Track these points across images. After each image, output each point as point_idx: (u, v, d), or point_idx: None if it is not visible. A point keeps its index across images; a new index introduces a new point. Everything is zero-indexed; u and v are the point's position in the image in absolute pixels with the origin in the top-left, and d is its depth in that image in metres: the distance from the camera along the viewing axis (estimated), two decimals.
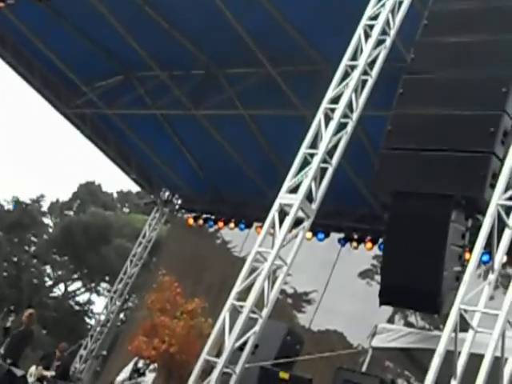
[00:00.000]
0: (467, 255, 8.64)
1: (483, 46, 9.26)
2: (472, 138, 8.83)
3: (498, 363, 7.39)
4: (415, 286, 8.78)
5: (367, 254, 18.95)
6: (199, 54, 17.76)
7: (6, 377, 12.43)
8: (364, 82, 10.34)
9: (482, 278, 8.58)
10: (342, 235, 19.06)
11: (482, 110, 8.88)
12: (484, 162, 8.53)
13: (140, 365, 15.36)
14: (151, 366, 15.05)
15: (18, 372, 12.89)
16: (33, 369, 15.13)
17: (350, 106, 10.19)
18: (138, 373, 15.27)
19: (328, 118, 10.12)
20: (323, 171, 9.95)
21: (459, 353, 7.52)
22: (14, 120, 60.07)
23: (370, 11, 10.65)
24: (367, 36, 10.48)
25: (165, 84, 19.06)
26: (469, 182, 8.62)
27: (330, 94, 10.29)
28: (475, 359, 7.40)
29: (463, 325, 7.67)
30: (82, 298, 40.16)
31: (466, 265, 7.95)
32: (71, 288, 40.15)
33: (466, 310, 7.60)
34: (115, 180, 58.67)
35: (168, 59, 18.40)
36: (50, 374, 15.16)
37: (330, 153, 10.02)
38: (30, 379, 14.48)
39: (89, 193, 42.22)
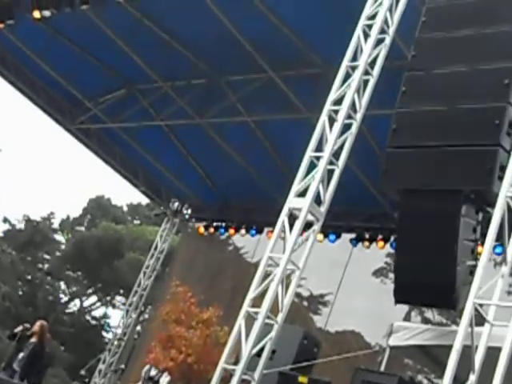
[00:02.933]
0: (480, 249, 8.62)
1: (483, 39, 9.24)
2: (477, 131, 8.81)
3: None
4: (429, 282, 8.77)
5: (380, 253, 18.94)
6: (200, 62, 17.78)
7: None
8: (366, 82, 10.36)
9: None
10: (353, 235, 19.06)
11: (486, 103, 8.85)
12: (491, 154, 8.50)
13: (153, 373, 15.34)
14: (165, 373, 15.01)
15: None
16: None
17: (353, 106, 10.20)
18: (152, 381, 15.25)
19: (332, 120, 10.13)
20: (330, 173, 9.96)
21: (476, 347, 7.51)
22: (20, 137, 60.20)
23: (367, 11, 10.66)
24: (366, 36, 10.50)
25: (168, 95, 19.11)
26: (477, 175, 8.60)
27: (333, 95, 10.31)
28: (493, 352, 7.39)
29: (479, 319, 7.66)
30: (98, 312, 40.22)
31: (479, 258, 7.95)
32: (86, 303, 40.20)
33: (480, 304, 7.59)
34: (125, 193, 58.78)
35: (169, 70, 18.45)
36: None
37: (336, 154, 10.04)
38: None
39: (99, 207, 42.27)
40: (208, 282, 21.22)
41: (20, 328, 13.76)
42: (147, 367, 16.01)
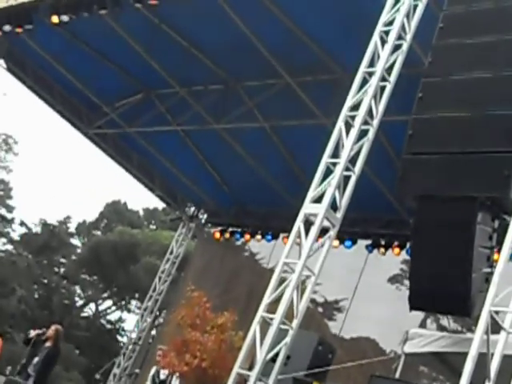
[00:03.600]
0: (496, 256, 8.59)
1: (500, 46, 9.22)
2: (494, 137, 8.78)
3: None
4: (444, 289, 8.74)
5: (395, 260, 18.88)
6: (217, 68, 17.82)
7: None
8: (383, 88, 10.35)
9: None
10: (369, 242, 19.03)
11: (503, 110, 8.83)
12: (507, 161, 8.47)
13: (162, 376, 15.33)
14: (175, 376, 14.98)
15: None
16: None
17: (369, 112, 10.19)
18: None
19: (349, 126, 10.12)
20: (346, 179, 9.96)
21: (492, 355, 7.48)
22: (37, 141, 60.57)
23: (384, 17, 10.66)
24: (383, 42, 10.49)
25: (184, 100, 19.15)
26: (493, 182, 8.57)
27: (350, 101, 10.30)
28: (509, 360, 7.36)
29: (495, 327, 7.63)
30: (113, 316, 40.39)
31: (495, 266, 7.92)
32: (102, 307, 40.37)
33: (496, 312, 7.56)
34: (141, 198, 58.89)
35: (186, 75, 18.50)
36: None
37: (353, 160, 10.03)
38: None
39: (115, 212, 42.44)
40: (223, 287, 21.21)
41: (34, 333, 13.79)
42: (154, 370, 16.04)
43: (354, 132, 10.04)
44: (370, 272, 18.91)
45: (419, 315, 17.77)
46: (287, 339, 9.30)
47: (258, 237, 21.02)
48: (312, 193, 9.89)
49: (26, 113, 59.04)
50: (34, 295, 37.98)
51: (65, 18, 15.85)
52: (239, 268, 22.20)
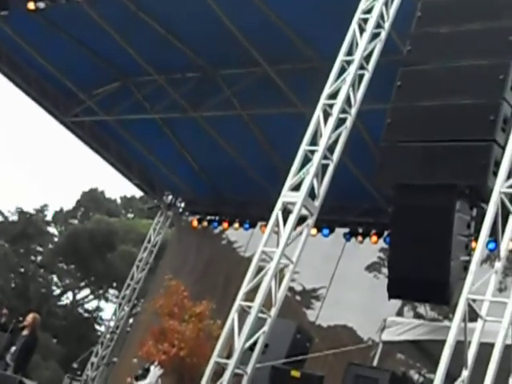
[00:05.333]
0: (474, 244, 8.63)
1: (479, 35, 9.22)
2: (472, 126, 8.81)
3: (508, 351, 7.38)
4: (423, 277, 8.76)
5: (373, 248, 18.95)
6: (195, 56, 17.75)
7: None
8: (361, 77, 10.36)
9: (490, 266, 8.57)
10: (346, 230, 19.09)
11: (481, 99, 8.85)
12: (486, 150, 8.49)
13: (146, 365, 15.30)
14: (154, 363, 14.90)
15: (31, 383, 12.83)
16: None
17: (348, 101, 10.20)
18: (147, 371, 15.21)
19: (327, 114, 10.13)
20: (324, 168, 9.96)
21: (469, 343, 7.52)
22: (13, 129, 60.09)
23: (363, 5, 10.65)
24: (362, 30, 10.49)
25: (162, 88, 19.07)
26: (471, 170, 8.59)
27: (328, 90, 10.30)
28: (485, 348, 7.40)
29: (472, 314, 7.67)
30: (91, 305, 40.22)
31: (473, 254, 7.96)
32: (79, 296, 40.19)
33: (474, 300, 7.60)
34: (118, 186, 58.70)
35: (164, 63, 18.41)
36: None
37: (331, 149, 10.04)
38: None
39: (92, 200, 42.22)
40: (201, 276, 21.20)
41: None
42: (135, 361, 15.97)
43: (332, 120, 10.04)
44: (347, 260, 18.98)
45: (396, 303, 17.86)
46: (265, 328, 9.30)
47: (236, 225, 21.02)
48: (290, 181, 9.88)
49: (1, 100, 58.53)
50: (11, 284, 37.72)
51: (41, 4, 15.77)
52: (217, 256, 22.19)
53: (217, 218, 21.72)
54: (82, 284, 39.79)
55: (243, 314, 9.27)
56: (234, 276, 17.04)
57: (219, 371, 9.22)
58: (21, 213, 39.88)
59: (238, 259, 21.13)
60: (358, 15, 10.59)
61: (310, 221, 9.87)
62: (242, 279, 9.57)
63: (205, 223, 21.94)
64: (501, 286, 10.08)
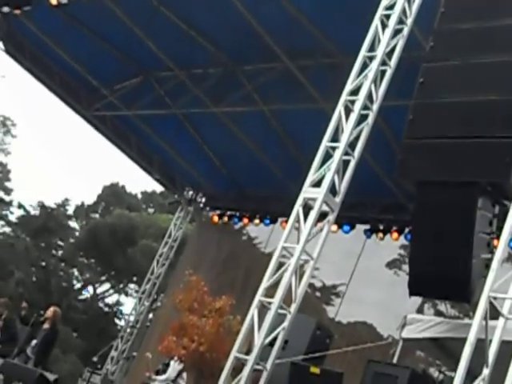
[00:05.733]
0: (496, 242, 8.56)
1: (503, 31, 9.15)
2: (495, 123, 8.74)
3: None
4: (444, 275, 8.72)
5: (393, 244, 18.89)
6: (216, 51, 17.74)
7: (39, 382, 12.43)
8: (383, 73, 10.32)
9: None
10: (367, 226, 19.02)
11: (505, 95, 8.78)
12: (508, 147, 8.43)
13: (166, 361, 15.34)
14: (174, 358, 14.93)
15: (51, 376, 12.90)
16: None
17: (369, 97, 10.16)
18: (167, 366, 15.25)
19: (348, 110, 10.09)
20: (346, 164, 9.93)
21: (490, 341, 7.47)
22: (35, 124, 60.45)
23: (385, 1, 10.60)
24: (384, 26, 10.44)
25: (184, 83, 19.08)
26: (494, 168, 8.54)
27: (350, 85, 10.26)
28: (507, 346, 7.35)
29: (494, 312, 7.62)
30: (111, 299, 40.37)
31: (495, 252, 7.90)
32: (100, 290, 40.35)
33: (495, 298, 7.54)
34: (139, 181, 58.88)
35: (185, 58, 18.41)
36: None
37: (352, 145, 10.01)
38: None
39: (113, 195, 42.33)
40: (221, 271, 21.23)
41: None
42: (149, 355, 15.97)
43: (353, 116, 10.01)
44: (367, 257, 18.92)
45: (417, 300, 17.80)
46: (285, 324, 9.30)
47: (257, 221, 20.99)
48: (311, 177, 9.86)
49: (25, 95, 58.88)
50: (32, 278, 37.89)
51: None
52: (237, 252, 22.21)
53: (237, 213, 21.71)
54: (103, 278, 39.95)
55: (263, 309, 9.27)
56: (254, 272, 17.04)
57: (239, 367, 9.23)
58: (42, 207, 40.07)
59: (258, 255, 21.13)
60: (381, 11, 10.54)
61: (331, 217, 9.85)
62: (262, 275, 9.57)
63: (225, 219, 21.94)
64: None
